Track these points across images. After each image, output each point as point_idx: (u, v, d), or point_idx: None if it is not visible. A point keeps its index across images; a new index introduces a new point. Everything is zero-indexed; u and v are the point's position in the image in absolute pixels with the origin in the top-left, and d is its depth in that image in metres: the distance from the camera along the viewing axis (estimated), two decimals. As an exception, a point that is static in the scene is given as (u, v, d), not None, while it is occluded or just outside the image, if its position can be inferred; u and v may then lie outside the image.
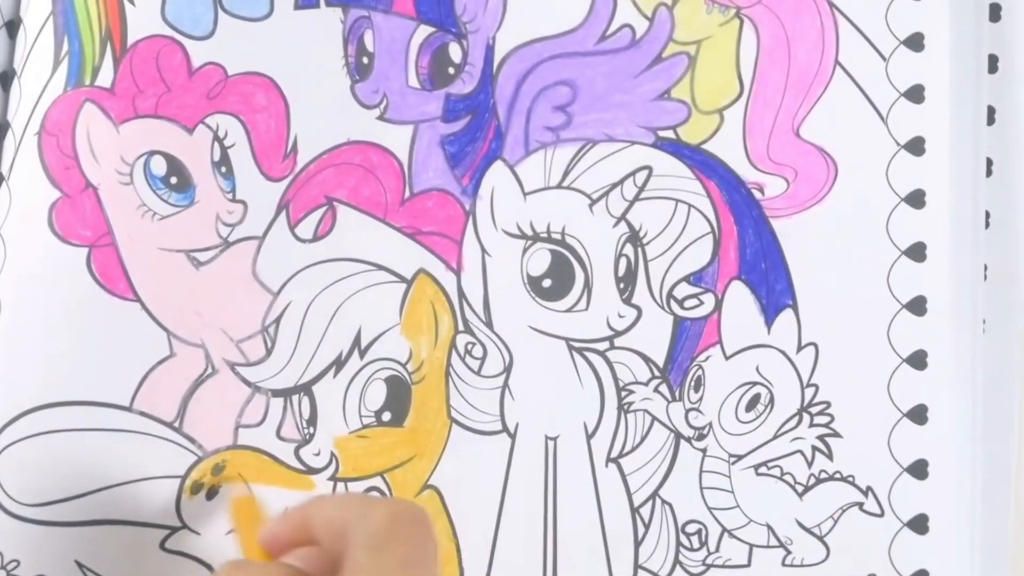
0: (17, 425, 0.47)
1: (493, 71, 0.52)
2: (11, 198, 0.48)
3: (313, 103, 0.50)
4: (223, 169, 0.49)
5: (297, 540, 0.39)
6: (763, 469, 0.52)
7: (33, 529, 0.46)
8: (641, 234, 0.52)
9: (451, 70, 0.52)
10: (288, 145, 0.50)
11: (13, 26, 0.50)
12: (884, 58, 0.53)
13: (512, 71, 0.52)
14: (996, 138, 0.55)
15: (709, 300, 0.52)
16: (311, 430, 0.49)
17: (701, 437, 0.52)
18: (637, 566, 0.51)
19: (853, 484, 0.52)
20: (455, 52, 0.52)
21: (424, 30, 0.52)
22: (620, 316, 0.52)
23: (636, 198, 0.52)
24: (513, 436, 0.51)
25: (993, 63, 0.55)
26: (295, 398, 0.49)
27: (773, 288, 0.52)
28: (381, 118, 0.51)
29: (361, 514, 0.37)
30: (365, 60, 0.51)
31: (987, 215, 0.55)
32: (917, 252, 0.53)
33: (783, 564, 0.52)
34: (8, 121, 0.49)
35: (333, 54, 0.51)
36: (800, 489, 0.52)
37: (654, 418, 0.52)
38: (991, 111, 0.55)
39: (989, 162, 0.55)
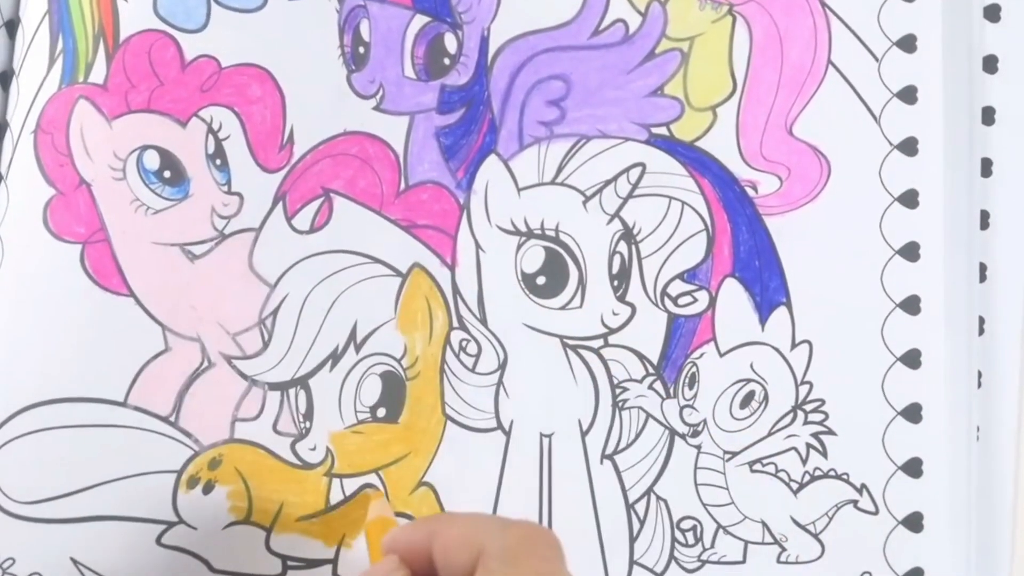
0: (12, 423, 0.46)
1: (488, 63, 0.52)
2: (8, 197, 0.48)
3: (309, 93, 0.50)
4: (218, 161, 0.49)
5: (415, 550, 0.39)
6: (758, 466, 0.52)
7: (29, 527, 0.46)
8: (635, 231, 0.52)
9: (446, 61, 0.51)
10: (284, 136, 0.50)
11: (13, 26, 0.49)
12: (877, 59, 0.53)
13: (506, 64, 0.52)
14: (996, 138, 0.55)
15: (703, 297, 0.52)
16: (307, 424, 0.49)
17: (696, 434, 0.52)
18: (633, 562, 0.51)
19: (847, 482, 0.52)
20: (450, 43, 0.51)
21: (420, 20, 0.51)
22: (614, 314, 0.52)
23: (630, 195, 0.52)
24: (508, 433, 0.51)
25: (993, 63, 0.55)
26: (292, 392, 0.49)
27: (767, 286, 0.52)
28: (377, 108, 0.51)
29: (499, 529, 0.38)
30: (361, 50, 0.51)
31: (987, 215, 0.55)
32: (911, 252, 0.53)
33: (778, 561, 0.52)
34: (7, 120, 0.48)
35: (329, 44, 0.50)
36: (795, 486, 0.52)
37: (648, 415, 0.52)
38: (991, 111, 0.55)
39: (989, 162, 0.55)
